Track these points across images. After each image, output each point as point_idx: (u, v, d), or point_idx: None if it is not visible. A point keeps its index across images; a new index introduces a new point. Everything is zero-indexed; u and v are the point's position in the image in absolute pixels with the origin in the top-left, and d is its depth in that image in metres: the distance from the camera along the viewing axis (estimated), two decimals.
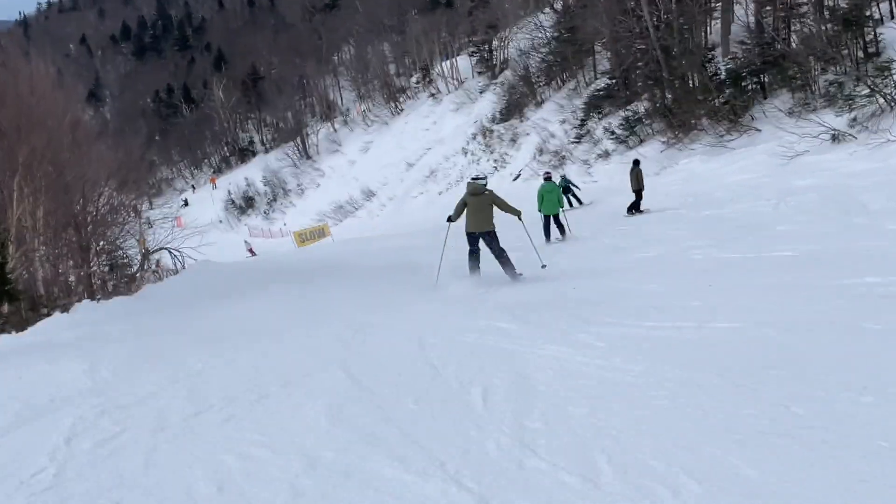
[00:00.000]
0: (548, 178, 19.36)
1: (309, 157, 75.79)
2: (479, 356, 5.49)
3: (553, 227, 18.07)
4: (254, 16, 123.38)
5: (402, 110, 71.63)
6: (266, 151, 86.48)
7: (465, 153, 52.60)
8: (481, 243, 10.92)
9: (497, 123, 51.98)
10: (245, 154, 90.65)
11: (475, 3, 68.44)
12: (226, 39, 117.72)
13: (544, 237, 17.61)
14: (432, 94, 68.96)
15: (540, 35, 52.22)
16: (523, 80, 51.85)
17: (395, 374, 5.25)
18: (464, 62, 68.89)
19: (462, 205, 11.05)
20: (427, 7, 78.72)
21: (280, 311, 9.72)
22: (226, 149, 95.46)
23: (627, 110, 34.85)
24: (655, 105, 33.50)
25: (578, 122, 39.47)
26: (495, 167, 47.19)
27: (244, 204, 74.83)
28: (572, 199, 27.16)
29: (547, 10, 55.33)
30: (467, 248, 11.00)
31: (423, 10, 78.56)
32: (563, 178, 28.71)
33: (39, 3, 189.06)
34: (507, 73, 58.67)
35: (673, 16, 32.47)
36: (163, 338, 8.24)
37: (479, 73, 65.59)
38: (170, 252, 24.99)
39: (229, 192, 76.88)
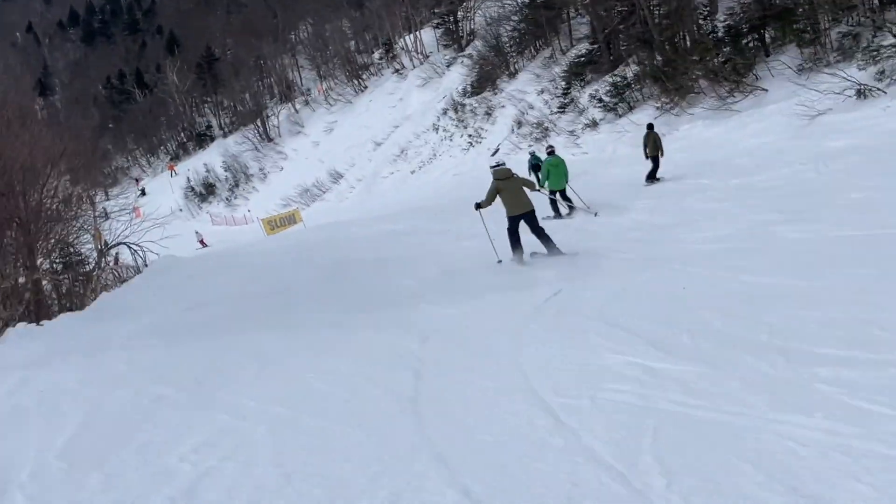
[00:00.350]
0: (551, 152, 17.39)
1: (270, 140, 72.64)
2: (681, 442, 3.17)
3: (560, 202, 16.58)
4: None
5: (365, 88, 68.76)
6: (225, 136, 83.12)
7: (437, 129, 50.10)
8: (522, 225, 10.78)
9: (468, 97, 49.49)
10: (203, 139, 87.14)
11: None
12: (178, 22, 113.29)
13: (553, 213, 16.19)
14: (397, 70, 66.19)
15: (510, 2, 49.72)
16: (494, 50, 49.35)
17: (560, 498, 2.95)
18: (428, 35, 66.20)
19: (494, 191, 10.86)
20: None
21: (279, 335, 7.25)
22: (182, 134, 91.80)
23: (615, 76, 32.64)
24: (645, 69, 31.33)
25: (560, 92, 37.17)
26: (470, 143, 44.80)
27: (204, 191, 71.55)
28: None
29: None
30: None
31: None
32: (534, 155, 26.54)
33: None
34: (476, 44, 56.16)
35: None
36: (122, 399, 5.52)
37: (445, 45, 62.91)
38: (129, 247, 22.40)
39: (188, 178, 73.53)
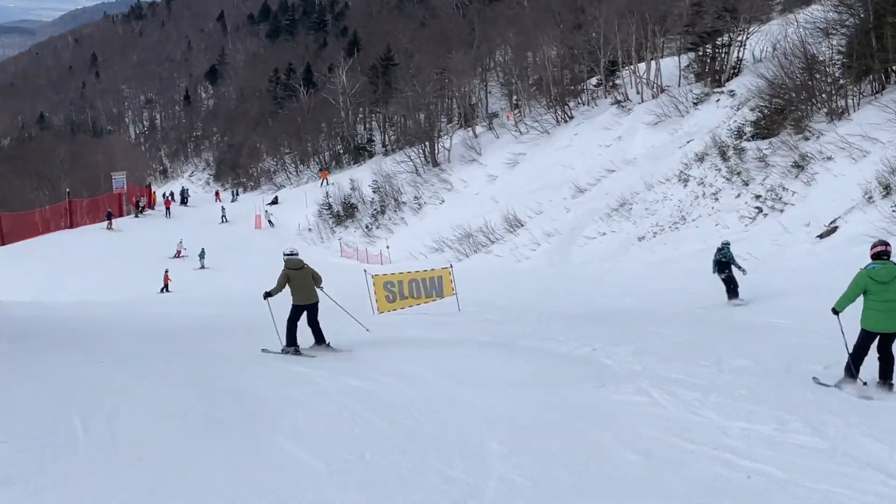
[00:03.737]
0: (880, 254, 7.89)
1: (437, 165, 56.82)
2: None
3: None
4: (401, 3, 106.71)
5: (570, 118, 51.83)
6: (386, 154, 68.66)
7: (687, 181, 32.20)
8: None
9: (749, 139, 31.37)
10: (360, 153, 73.20)
11: None
12: (363, 24, 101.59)
13: (850, 372, 8.01)
14: (618, 102, 48.95)
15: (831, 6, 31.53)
16: (803, 73, 31.04)
17: None
18: (667, 64, 49.06)
19: (285, 279, 10.91)
20: None
21: None
22: (340, 146, 78.18)
23: None
24: None
25: None
26: (759, 208, 26.58)
27: (343, 212, 56.41)
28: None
29: None
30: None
31: None
32: (727, 247, 16.02)
33: None
34: (745, 78, 38.19)
35: None
36: None
37: (696, 75, 45.40)
38: None
39: (328, 193, 58.77)
